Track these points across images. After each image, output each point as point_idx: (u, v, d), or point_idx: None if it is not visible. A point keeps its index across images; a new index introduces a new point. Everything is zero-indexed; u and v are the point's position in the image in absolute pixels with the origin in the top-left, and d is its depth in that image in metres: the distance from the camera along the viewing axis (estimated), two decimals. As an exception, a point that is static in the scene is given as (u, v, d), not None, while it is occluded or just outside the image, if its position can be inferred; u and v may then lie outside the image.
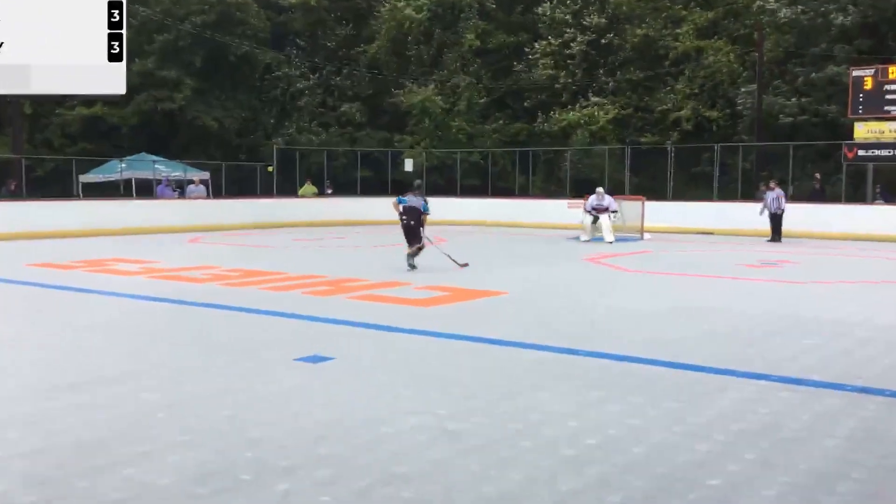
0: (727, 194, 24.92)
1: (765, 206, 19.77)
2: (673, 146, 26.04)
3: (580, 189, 25.01)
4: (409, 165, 28.49)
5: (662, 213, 22.40)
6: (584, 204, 19.66)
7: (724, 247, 18.25)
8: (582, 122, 30.90)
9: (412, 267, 12.59)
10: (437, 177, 30.44)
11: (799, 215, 20.55)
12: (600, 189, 19.37)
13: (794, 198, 22.77)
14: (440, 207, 26.73)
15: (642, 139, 29.59)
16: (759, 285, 11.24)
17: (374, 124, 33.77)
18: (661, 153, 26.21)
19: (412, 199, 13.10)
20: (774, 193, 19.68)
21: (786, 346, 6.69)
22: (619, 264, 13.83)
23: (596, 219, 18.87)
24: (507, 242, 19.62)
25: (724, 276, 12.01)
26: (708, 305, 8.95)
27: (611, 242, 18.55)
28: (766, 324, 7.77)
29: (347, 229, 23.73)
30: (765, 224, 19.89)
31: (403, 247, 13.04)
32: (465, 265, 12.86)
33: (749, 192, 24.70)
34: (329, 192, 27.94)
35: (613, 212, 19.05)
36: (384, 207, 27.17)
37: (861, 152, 21.82)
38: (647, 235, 20.25)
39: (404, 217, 12.91)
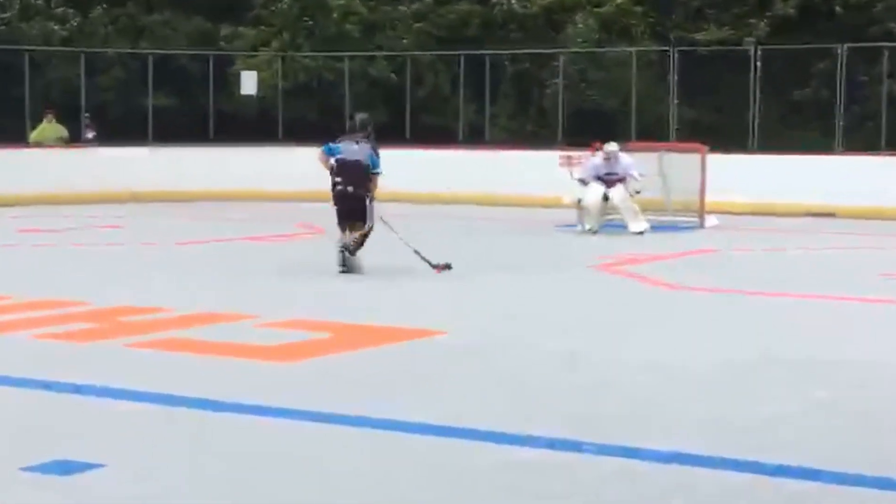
0: (861, 140, 25.46)
1: None
2: (759, 48, 26.48)
3: (581, 129, 25.26)
4: (249, 84, 28.34)
5: (741, 177, 22.79)
6: (581, 168, 19.81)
7: (855, 240, 18.64)
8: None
9: (344, 268, 13.36)
10: (305, 105, 30.31)
11: None
12: (611, 146, 19.50)
13: None
14: (310, 162, 26.61)
15: (699, 35, 29.99)
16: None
17: (181, 4, 33.39)
18: (738, 62, 26.65)
19: (350, 148, 13.67)
20: None
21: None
22: (657, 275, 13.99)
23: (605, 196, 19.06)
24: (447, 234, 19.65)
25: (855, 298, 12.26)
26: (827, 355, 9.11)
27: (640, 233, 18.79)
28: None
29: (127, 208, 23.46)
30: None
31: (335, 231, 13.74)
32: (446, 268, 13.59)
33: (900, 137, 25.28)
34: (90, 136, 27.58)
35: (637, 184, 19.20)
36: (203, 165, 27.38)
37: None
38: (711, 219, 20.58)
39: (339, 180, 13.54)
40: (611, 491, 5.70)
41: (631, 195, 19.06)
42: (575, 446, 6.37)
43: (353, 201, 13.56)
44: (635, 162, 19.52)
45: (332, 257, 13.66)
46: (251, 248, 17.41)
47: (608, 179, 19.09)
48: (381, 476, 5.94)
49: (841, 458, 6.21)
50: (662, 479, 5.91)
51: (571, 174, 19.87)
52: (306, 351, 9.12)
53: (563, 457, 6.24)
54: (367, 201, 13.61)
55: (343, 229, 13.64)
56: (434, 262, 13.67)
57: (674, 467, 6.05)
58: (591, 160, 19.67)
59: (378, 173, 13.83)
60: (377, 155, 13.80)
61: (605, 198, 19.03)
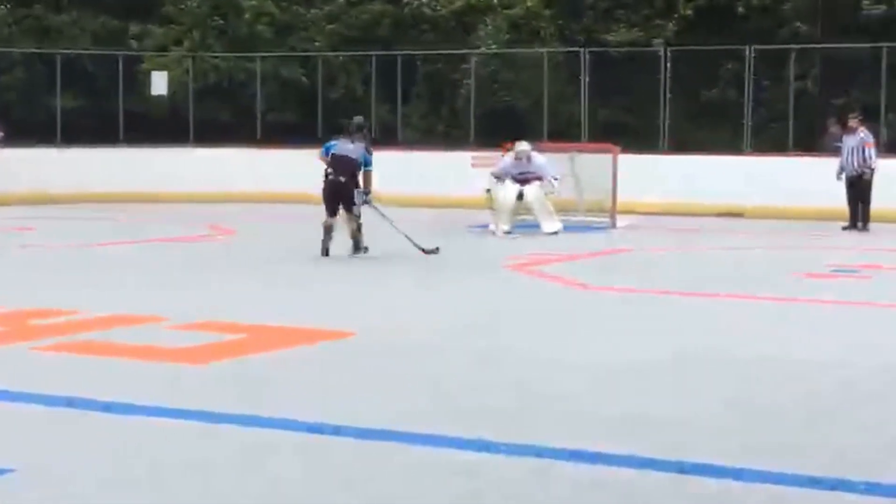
0: (769, 140, 25.74)
1: (841, 164, 20.50)
2: (669, 50, 26.67)
3: (494, 129, 25.31)
4: (159, 84, 28.10)
5: (652, 178, 22.98)
6: (495, 167, 19.83)
7: (764, 240, 18.84)
8: (495, 1, 31.21)
9: (326, 251, 15.25)
10: (217, 106, 30.08)
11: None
12: (522, 146, 19.56)
13: (889, 148, 23.74)
14: (221, 163, 26.61)
15: (610, 36, 30.17)
16: (829, 312, 11.68)
17: (88, 2, 33.02)
18: (648, 63, 26.81)
19: (345, 146, 15.73)
20: (856, 139, 20.46)
21: (878, 425, 6.95)
22: (571, 275, 14.05)
23: (520, 194, 19.10)
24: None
25: (766, 297, 12.41)
26: (740, 354, 9.19)
27: (554, 233, 18.86)
28: (847, 386, 8.05)
29: (37, 210, 23.15)
30: (840, 195, 20.67)
31: (322, 217, 15.47)
32: (435, 251, 15.20)
33: (808, 137, 25.60)
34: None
35: (554, 179, 19.28)
36: (113, 166, 27.04)
37: None
38: (623, 219, 20.70)
39: (331, 171, 15.59)
40: (524, 490, 5.71)
41: (546, 194, 19.12)
42: (488, 447, 6.36)
43: (342, 188, 15.34)
44: (549, 162, 19.56)
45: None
46: (162, 250, 17.27)
47: (522, 179, 19.14)
48: (298, 479, 5.90)
49: (754, 455, 6.26)
50: (576, 477, 5.92)
51: (494, 172, 19.84)
52: (221, 352, 9.04)
53: (475, 458, 6.23)
54: (355, 192, 15.41)
55: (329, 214, 15.43)
56: (425, 247, 15.36)
57: (588, 466, 6.06)
58: (503, 160, 19.68)
59: (370, 170, 15.82)
60: (370, 153, 15.89)
61: (520, 196, 19.06)
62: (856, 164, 20.24)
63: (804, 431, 6.83)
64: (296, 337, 9.79)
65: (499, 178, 19.32)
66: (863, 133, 20.39)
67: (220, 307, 11.34)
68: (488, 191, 19.34)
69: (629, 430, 6.80)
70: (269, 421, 6.89)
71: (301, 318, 10.74)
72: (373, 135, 28.56)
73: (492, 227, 19.29)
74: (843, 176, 20.42)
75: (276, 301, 12.04)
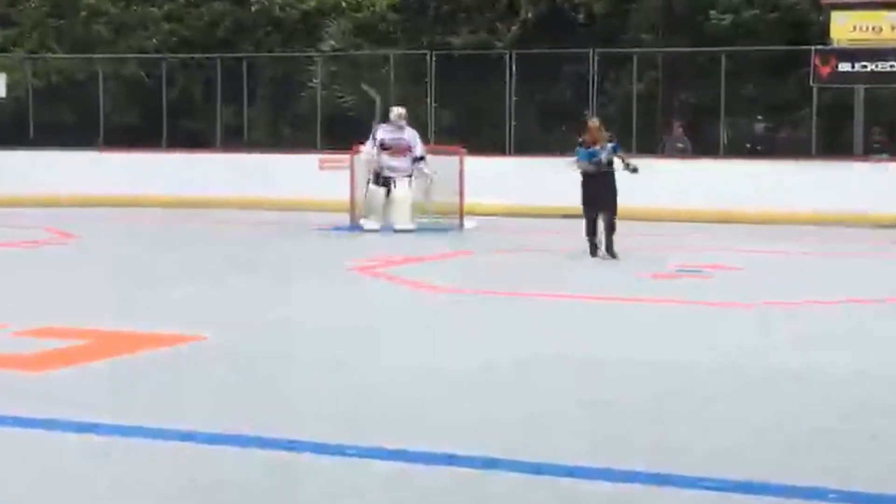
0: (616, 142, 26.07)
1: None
2: (514, 53, 26.88)
3: (340, 131, 25.28)
4: (-1, 86, 27.57)
5: (498, 180, 23.09)
6: (370, 142, 19.89)
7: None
8: (343, 4, 31.19)
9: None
10: (60, 107, 29.56)
11: (736, 183, 21.93)
12: (399, 110, 20.19)
13: (729, 150, 24.28)
14: (62, 166, 26.12)
15: (454, 38, 30.30)
16: (671, 312, 11.86)
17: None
18: (493, 66, 26.97)
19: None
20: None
21: (722, 423, 7.10)
22: (417, 277, 14.06)
23: (387, 184, 19.24)
24: (206, 238, 19.43)
25: (609, 298, 12.58)
26: (584, 354, 9.30)
27: (408, 231, 19.00)
28: (690, 385, 8.22)
29: None
30: (681, 196, 21.06)
31: None
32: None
33: (650, 140, 26.00)
34: None
35: (420, 160, 19.62)
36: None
37: (844, 66, 23.28)
38: (469, 222, 20.79)
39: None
40: (376, 494, 5.71)
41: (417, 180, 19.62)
42: (338, 450, 6.35)
43: None
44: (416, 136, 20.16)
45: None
46: (2, 254, 16.89)
47: (395, 145, 19.56)
48: (141, 487, 5.82)
49: (603, 454, 6.34)
50: (429, 480, 5.95)
51: (368, 149, 19.93)
52: (64, 359, 8.87)
53: (328, 461, 6.23)
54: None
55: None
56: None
57: (439, 468, 6.09)
58: (377, 129, 19.87)
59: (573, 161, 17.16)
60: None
61: (387, 186, 19.37)
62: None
63: (651, 431, 6.94)
64: (142, 342, 9.66)
65: (372, 165, 19.55)
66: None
67: (64, 312, 11.12)
68: (367, 188, 19.57)
69: (480, 431, 6.84)
70: (111, 428, 6.79)
71: (148, 322, 10.59)
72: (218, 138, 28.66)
73: (367, 223, 19.47)
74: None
75: (122, 305, 11.82)
